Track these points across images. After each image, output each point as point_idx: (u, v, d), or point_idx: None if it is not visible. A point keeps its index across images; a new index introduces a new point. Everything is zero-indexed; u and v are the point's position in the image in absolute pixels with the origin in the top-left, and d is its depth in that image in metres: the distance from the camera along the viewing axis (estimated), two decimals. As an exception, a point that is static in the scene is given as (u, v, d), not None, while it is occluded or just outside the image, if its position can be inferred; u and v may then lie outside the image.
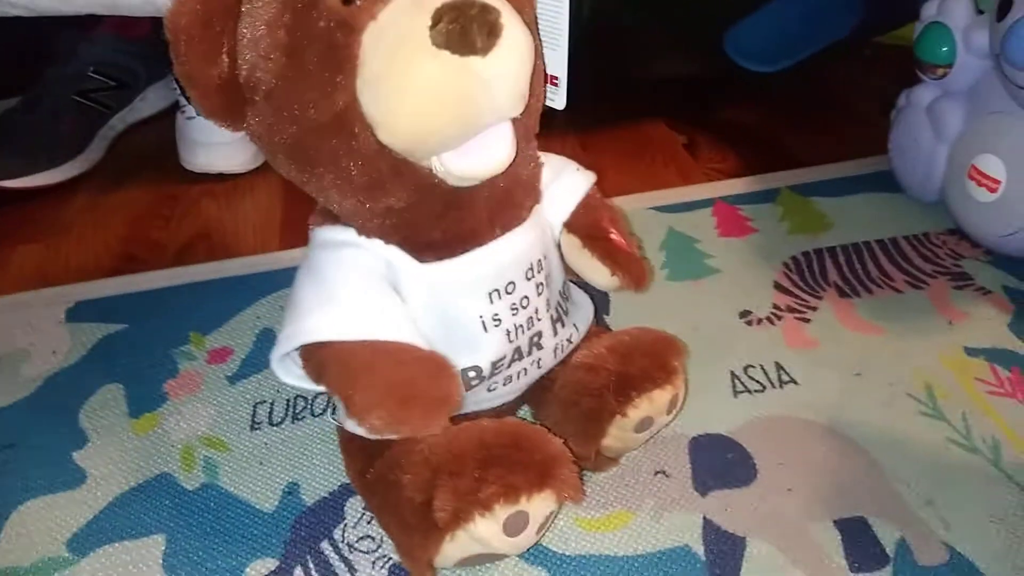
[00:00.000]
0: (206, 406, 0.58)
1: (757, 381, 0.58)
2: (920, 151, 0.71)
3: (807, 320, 0.63)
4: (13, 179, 0.80)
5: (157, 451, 0.55)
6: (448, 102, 0.36)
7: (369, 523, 0.50)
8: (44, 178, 0.82)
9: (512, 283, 0.45)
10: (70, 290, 0.70)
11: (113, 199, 0.83)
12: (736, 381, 0.58)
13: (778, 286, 0.67)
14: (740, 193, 0.78)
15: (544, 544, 0.48)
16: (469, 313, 0.44)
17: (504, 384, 0.48)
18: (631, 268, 0.50)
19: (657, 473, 0.52)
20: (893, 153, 0.75)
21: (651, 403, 0.47)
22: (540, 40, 0.45)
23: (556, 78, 0.54)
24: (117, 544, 0.50)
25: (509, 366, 0.47)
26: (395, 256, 0.43)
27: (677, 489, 0.51)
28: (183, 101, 0.82)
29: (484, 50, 0.34)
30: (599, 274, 0.50)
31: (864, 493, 0.50)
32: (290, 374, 0.45)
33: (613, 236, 0.50)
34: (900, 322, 0.63)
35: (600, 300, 0.65)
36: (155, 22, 0.67)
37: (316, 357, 0.42)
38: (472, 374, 0.46)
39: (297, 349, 0.43)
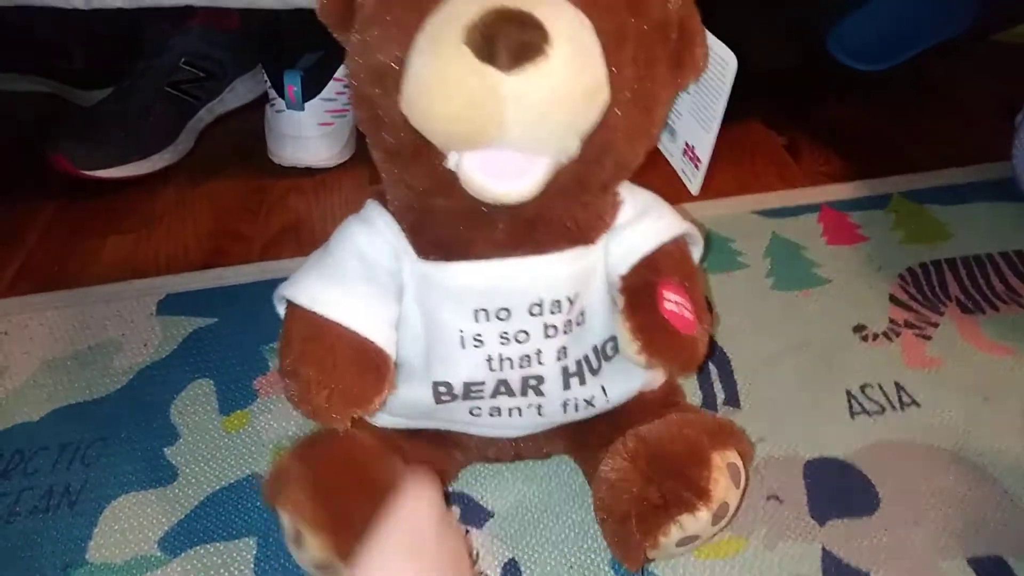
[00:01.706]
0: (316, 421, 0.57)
1: (875, 402, 0.54)
2: (1049, 158, 0.66)
3: (928, 337, 0.59)
4: (105, 169, 0.80)
5: (247, 450, 0.54)
6: (455, 100, 0.34)
7: (465, 536, 0.48)
8: (134, 168, 0.82)
9: (506, 310, 0.42)
10: (160, 282, 0.70)
11: (202, 191, 0.83)
12: (853, 401, 0.55)
13: (894, 299, 0.63)
14: (848, 198, 0.74)
15: (652, 570, 0.46)
16: (449, 324, 0.43)
17: (491, 415, 0.46)
18: (669, 351, 0.43)
19: (770, 498, 0.49)
20: (1017, 160, 0.70)
21: (682, 529, 0.41)
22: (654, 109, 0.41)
23: (699, 160, 0.50)
24: (208, 545, 0.49)
25: (493, 397, 0.45)
26: (402, 246, 0.43)
27: (792, 516, 0.48)
28: (272, 93, 0.82)
29: (508, 65, 0.32)
30: (627, 347, 0.43)
31: (1000, 528, 0.47)
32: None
33: (666, 306, 0.43)
34: (1030, 342, 0.58)
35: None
36: (244, 14, 0.67)
37: (288, 312, 0.45)
38: (442, 389, 0.44)
39: None
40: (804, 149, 0.83)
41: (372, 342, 0.43)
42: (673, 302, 0.43)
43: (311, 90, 0.80)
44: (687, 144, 0.53)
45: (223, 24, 0.91)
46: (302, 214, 0.78)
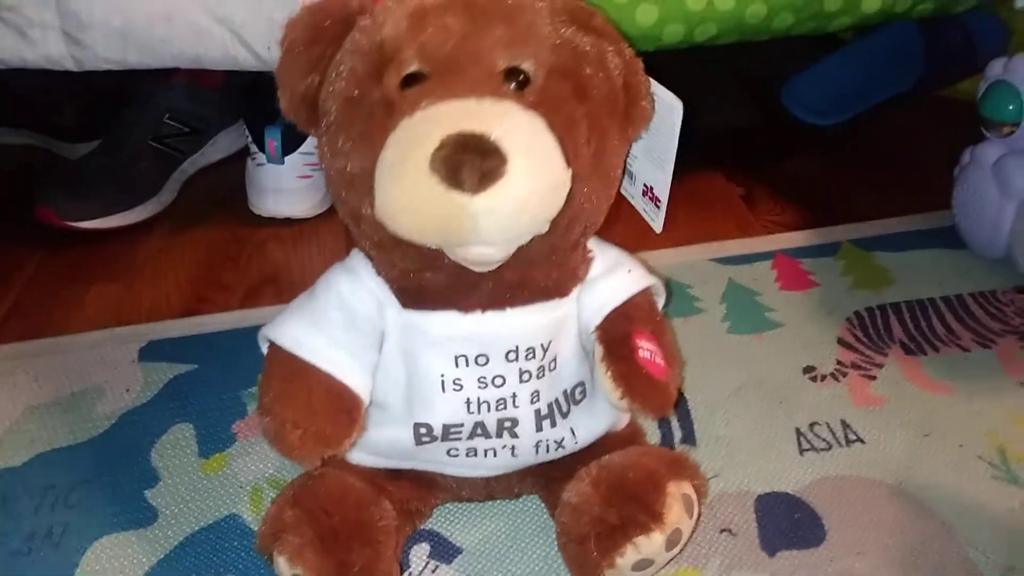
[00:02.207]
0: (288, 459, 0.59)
1: (823, 439, 0.58)
2: (985, 208, 0.70)
3: (873, 377, 0.63)
4: (90, 220, 0.83)
5: (226, 491, 0.56)
6: (429, 220, 0.38)
7: (434, 572, 0.50)
8: (119, 219, 0.85)
9: (485, 356, 0.45)
10: (143, 329, 0.72)
11: (184, 240, 0.85)
12: (802, 438, 0.58)
13: (842, 342, 0.66)
14: (800, 246, 0.78)
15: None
16: (431, 369, 0.46)
17: (467, 455, 0.48)
18: (647, 395, 0.46)
19: (723, 531, 0.52)
20: (957, 209, 0.74)
21: (637, 550, 0.44)
22: (613, 159, 0.45)
23: (659, 199, 0.54)
24: (188, 584, 0.51)
25: (470, 438, 0.47)
26: (384, 296, 0.46)
27: (744, 548, 0.51)
28: (253, 148, 0.85)
29: (472, 190, 0.36)
30: (610, 393, 0.46)
31: (936, 558, 0.49)
32: None
33: (641, 355, 0.46)
34: (969, 381, 0.62)
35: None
36: (227, 72, 0.70)
37: (269, 352, 0.48)
38: (423, 430, 0.47)
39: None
40: (760, 199, 0.87)
41: (347, 386, 0.46)
42: (646, 350, 0.46)
43: (291, 144, 0.83)
44: (646, 186, 0.57)
45: (207, 81, 0.94)
46: (281, 263, 0.81)
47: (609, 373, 0.46)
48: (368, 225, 0.42)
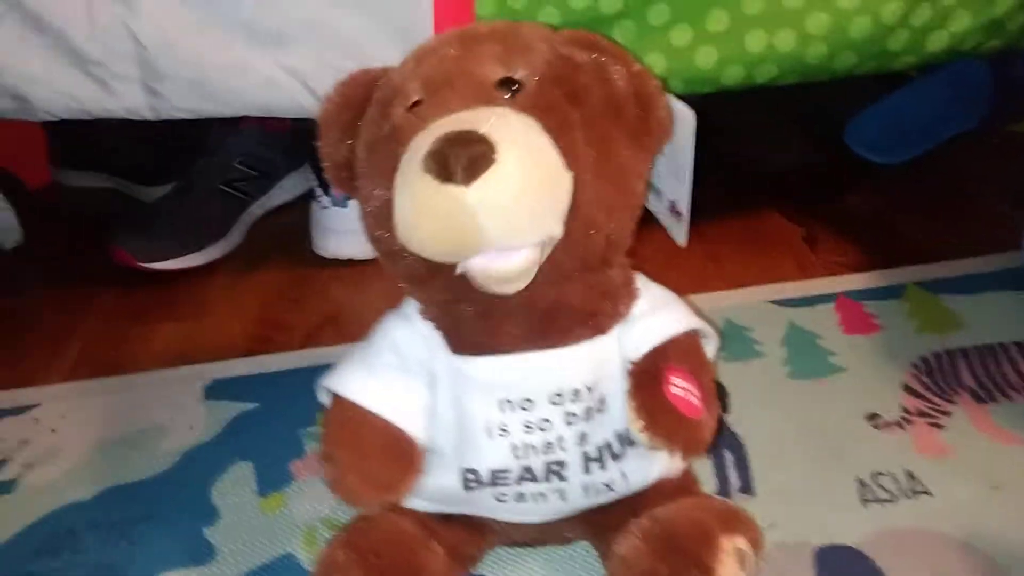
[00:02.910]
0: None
1: (887, 490, 0.56)
2: (1058, 249, 0.68)
3: (939, 426, 0.60)
4: (160, 261, 0.87)
5: (283, 531, 0.57)
6: (429, 221, 0.39)
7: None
8: (188, 261, 0.88)
9: (530, 400, 0.45)
10: (207, 368, 0.75)
11: (249, 281, 0.88)
12: (864, 489, 0.56)
13: (907, 388, 0.64)
14: (863, 288, 0.76)
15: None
16: (476, 414, 0.46)
17: (516, 501, 0.48)
18: (673, 431, 0.44)
19: (780, 584, 0.50)
20: (1027, 250, 0.72)
21: None
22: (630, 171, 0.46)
23: (680, 211, 0.54)
24: (243, 622, 0.51)
25: (518, 483, 0.47)
26: (434, 340, 0.47)
27: (803, 604, 0.49)
28: (318, 191, 0.88)
29: (463, 180, 0.37)
30: (632, 424, 0.45)
31: (1008, 619, 0.47)
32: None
33: (672, 390, 0.45)
34: (1043, 432, 0.59)
35: (719, 396, 0.65)
36: (294, 119, 0.73)
37: (331, 401, 0.49)
38: (470, 476, 0.47)
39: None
40: (822, 240, 0.85)
41: (404, 431, 0.47)
42: (680, 387, 0.45)
43: (353, 187, 0.85)
44: (670, 200, 0.57)
45: (275, 127, 0.98)
46: (342, 304, 0.83)
47: (633, 405, 0.45)
48: (398, 259, 0.44)
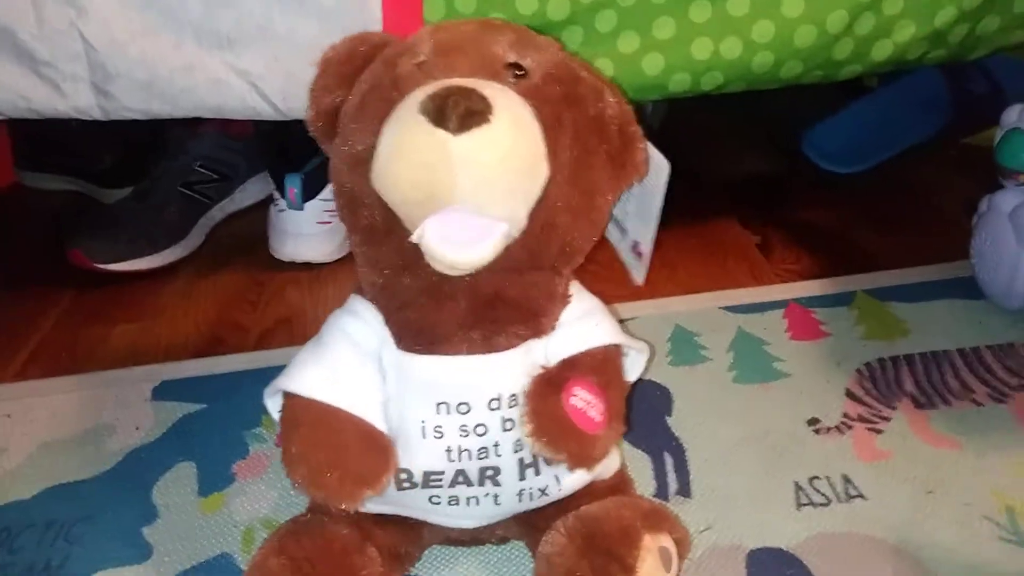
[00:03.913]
0: (270, 489, 0.60)
1: (822, 494, 0.56)
2: (1003, 257, 0.68)
3: (879, 431, 0.61)
4: (118, 263, 0.87)
5: (221, 531, 0.57)
6: (409, 163, 0.40)
7: (414, 618, 0.50)
8: (146, 262, 0.88)
9: (466, 404, 0.45)
10: (158, 369, 0.74)
11: (206, 283, 0.88)
12: (800, 493, 0.56)
13: (850, 394, 0.65)
14: (814, 295, 0.77)
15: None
16: (413, 414, 0.46)
17: (449, 504, 0.48)
18: (562, 441, 0.44)
19: (712, 586, 0.50)
20: (975, 259, 0.72)
21: None
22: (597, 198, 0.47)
23: (642, 252, 0.55)
24: (175, 622, 0.51)
25: (452, 486, 0.47)
26: (383, 334, 0.47)
27: (732, 605, 0.49)
28: (276, 195, 0.88)
29: (456, 129, 0.38)
30: (521, 428, 0.44)
31: (934, 622, 0.47)
32: (276, 412, 0.49)
33: (572, 401, 0.44)
34: (979, 437, 0.59)
35: (662, 400, 0.65)
36: (256, 122, 0.73)
37: (286, 403, 0.47)
38: (403, 476, 0.47)
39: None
40: (776, 248, 0.86)
41: (373, 424, 0.46)
42: (581, 399, 0.45)
43: (311, 191, 0.86)
44: (634, 240, 0.58)
45: (237, 130, 0.98)
46: (297, 307, 0.83)
47: (524, 409, 0.44)
48: (364, 208, 0.44)
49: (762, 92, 0.74)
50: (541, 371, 0.46)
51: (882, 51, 0.70)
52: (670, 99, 0.71)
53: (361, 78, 0.47)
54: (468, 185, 0.39)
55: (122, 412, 0.69)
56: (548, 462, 0.46)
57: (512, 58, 0.45)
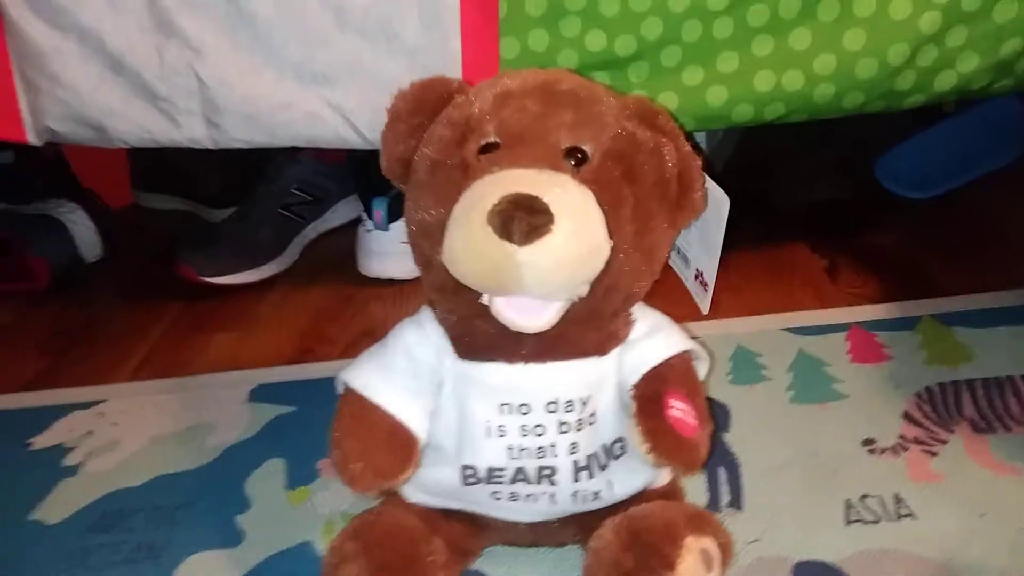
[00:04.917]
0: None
1: (872, 511, 0.57)
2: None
3: (934, 453, 0.62)
4: (220, 276, 0.95)
5: (305, 521, 0.62)
6: (478, 263, 0.44)
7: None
8: (245, 277, 0.96)
9: (527, 406, 0.50)
10: (254, 374, 0.81)
11: (299, 297, 0.95)
12: (850, 510, 0.58)
13: (908, 416, 0.66)
14: (879, 319, 0.78)
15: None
16: (477, 415, 0.50)
17: (510, 500, 0.52)
18: (674, 452, 0.48)
19: (757, 595, 0.53)
20: (1044, 286, 0.72)
21: None
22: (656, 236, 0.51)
23: (706, 282, 0.58)
24: (263, 600, 0.57)
25: (512, 483, 0.51)
26: (443, 346, 0.52)
27: (775, 612, 0.52)
28: (364, 216, 0.95)
29: (521, 242, 0.42)
30: (639, 447, 0.49)
31: (976, 640, 0.48)
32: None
33: (672, 413, 0.49)
34: (1039, 464, 0.60)
35: (721, 417, 0.68)
36: (347, 151, 0.80)
37: (344, 393, 0.53)
38: (469, 472, 0.52)
39: None
40: (843, 271, 0.87)
41: (406, 426, 0.51)
42: (678, 409, 0.49)
43: (396, 213, 0.92)
44: (698, 270, 0.61)
45: (330, 157, 1.05)
46: (381, 319, 0.89)
47: (639, 429, 0.49)
48: (435, 271, 0.49)
49: (835, 119, 0.76)
50: (633, 391, 0.50)
51: (946, 81, 0.71)
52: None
53: (429, 135, 0.51)
54: (532, 283, 0.44)
55: (221, 412, 0.76)
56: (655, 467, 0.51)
57: (571, 142, 0.47)
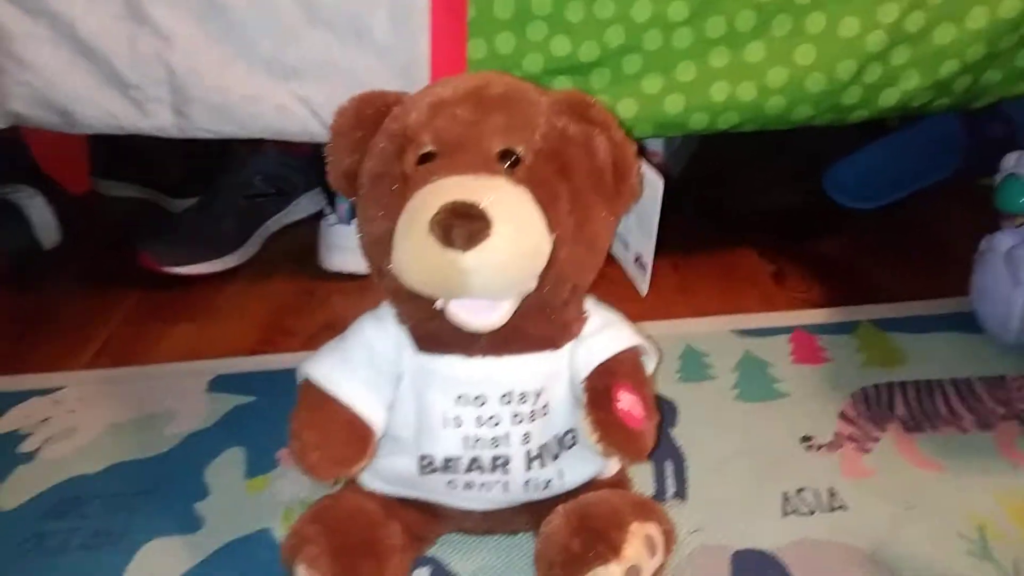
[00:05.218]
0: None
1: (807, 504, 0.61)
2: (999, 294, 0.72)
3: (867, 450, 0.65)
4: (181, 266, 0.95)
5: (263, 509, 0.64)
6: (427, 274, 0.46)
7: (430, 592, 0.56)
8: (206, 267, 0.97)
9: (482, 397, 0.52)
10: (213, 364, 0.82)
11: (259, 289, 0.96)
12: (787, 502, 0.61)
13: (843, 415, 0.69)
14: (820, 323, 0.82)
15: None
16: (435, 406, 0.53)
17: (465, 488, 0.54)
18: (621, 442, 0.51)
19: (697, 580, 0.56)
20: (974, 295, 0.76)
21: None
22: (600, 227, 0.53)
23: (644, 264, 0.61)
24: (220, 585, 0.58)
25: (467, 471, 0.53)
26: (402, 340, 0.54)
27: (715, 598, 0.54)
28: (328, 210, 0.96)
29: (463, 248, 0.44)
30: (588, 437, 0.51)
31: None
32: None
33: (620, 406, 0.51)
34: (961, 460, 0.64)
35: (668, 413, 0.71)
36: (312, 144, 0.81)
37: (302, 384, 0.55)
38: (426, 461, 0.54)
39: None
40: (789, 277, 0.91)
41: (363, 418, 0.53)
42: (626, 402, 0.52)
43: (359, 208, 0.93)
44: (637, 253, 0.64)
45: (296, 149, 1.06)
46: (341, 313, 0.90)
47: (589, 420, 0.51)
48: (388, 279, 0.50)
49: (789, 130, 0.79)
50: (584, 384, 0.52)
51: (889, 98, 0.75)
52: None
53: (371, 148, 0.52)
54: (478, 286, 0.46)
55: (180, 401, 0.77)
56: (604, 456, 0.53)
57: (503, 146, 0.49)
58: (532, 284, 0.48)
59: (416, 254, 0.46)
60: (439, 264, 0.45)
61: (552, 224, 0.48)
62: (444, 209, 0.45)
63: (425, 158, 0.50)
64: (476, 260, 0.44)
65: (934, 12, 0.71)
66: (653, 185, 0.56)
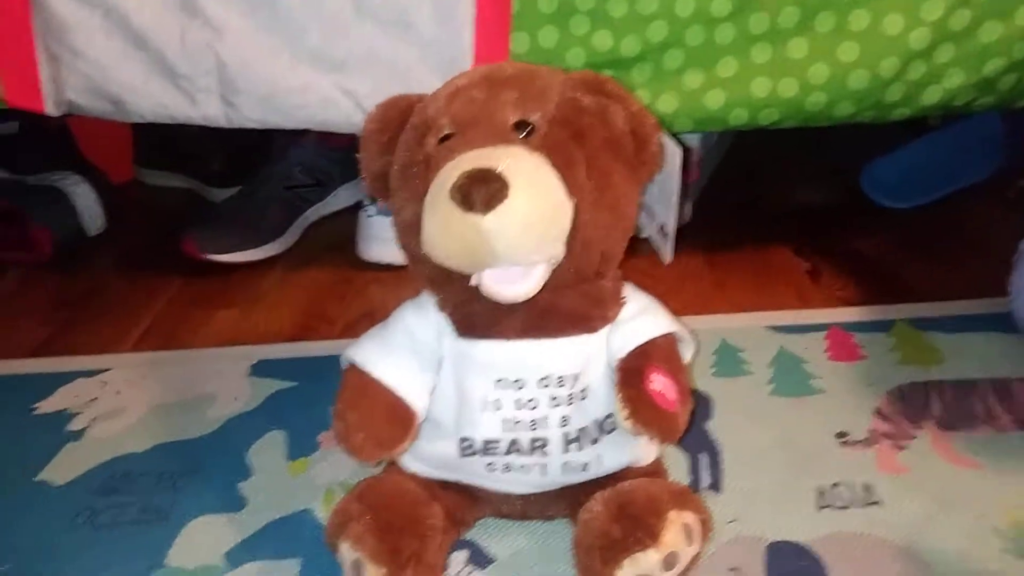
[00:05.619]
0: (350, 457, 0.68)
1: (842, 498, 0.61)
2: (1036, 296, 0.72)
3: (902, 447, 0.65)
4: (223, 254, 0.97)
5: (304, 490, 0.65)
6: (451, 241, 0.48)
7: None
8: (247, 255, 0.99)
9: (521, 380, 0.53)
10: (255, 350, 0.84)
11: (299, 277, 0.98)
12: (822, 496, 0.61)
13: (879, 412, 0.69)
14: (856, 321, 0.82)
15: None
16: (474, 390, 0.54)
17: (504, 471, 0.55)
18: (652, 421, 0.51)
19: (731, 570, 0.56)
20: (1013, 295, 0.76)
21: (635, 565, 0.49)
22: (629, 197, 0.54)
23: (667, 232, 0.61)
24: (263, 562, 0.59)
25: (506, 454, 0.55)
26: (442, 327, 0.55)
27: (749, 588, 0.55)
28: (366, 201, 0.97)
29: (482, 211, 0.45)
30: (618, 414, 0.52)
31: (935, 617, 0.52)
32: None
33: (652, 386, 0.52)
34: (998, 460, 0.64)
35: (704, 407, 0.71)
36: (352, 136, 0.82)
37: (346, 369, 0.57)
38: (466, 443, 0.55)
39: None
40: (825, 274, 0.91)
41: (405, 401, 0.55)
42: (659, 383, 0.53)
43: (397, 199, 0.95)
44: (660, 223, 0.64)
45: (334, 141, 1.08)
46: (379, 302, 0.92)
47: (620, 396, 0.52)
48: (422, 264, 0.52)
49: (829, 126, 0.79)
50: (618, 363, 0.53)
51: (932, 96, 0.75)
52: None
53: (398, 146, 0.55)
54: (502, 250, 0.47)
55: (223, 385, 0.79)
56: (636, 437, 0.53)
57: (518, 117, 0.51)
58: (559, 250, 0.49)
59: (440, 226, 0.48)
60: (462, 231, 0.46)
61: (571, 188, 0.49)
62: (462, 176, 0.46)
63: (444, 140, 0.52)
64: (497, 222, 0.45)
65: (980, 9, 0.71)
66: (673, 155, 0.57)
